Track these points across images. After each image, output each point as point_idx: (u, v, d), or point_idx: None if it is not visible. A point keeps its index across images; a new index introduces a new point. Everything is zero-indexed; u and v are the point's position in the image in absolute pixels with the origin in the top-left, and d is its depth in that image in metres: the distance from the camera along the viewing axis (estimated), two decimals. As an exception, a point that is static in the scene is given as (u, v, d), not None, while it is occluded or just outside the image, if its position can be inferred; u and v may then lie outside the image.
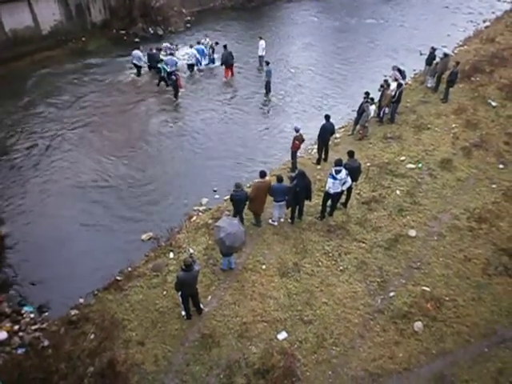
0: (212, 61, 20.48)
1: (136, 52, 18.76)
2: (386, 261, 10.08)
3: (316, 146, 13.79)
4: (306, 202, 10.83)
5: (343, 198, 11.29)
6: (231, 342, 8.33)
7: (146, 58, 19.06)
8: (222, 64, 19.27)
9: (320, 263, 9.99)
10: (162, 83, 18.35)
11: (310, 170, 11.48)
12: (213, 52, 20.53)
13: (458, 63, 16.64)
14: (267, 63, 17.60)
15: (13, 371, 7.29)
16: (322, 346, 8.28)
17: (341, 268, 9.88)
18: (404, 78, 16.54)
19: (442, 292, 9.30)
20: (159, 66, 18.04)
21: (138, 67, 19.09)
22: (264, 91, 18.15)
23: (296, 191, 10.29)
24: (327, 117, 12.95)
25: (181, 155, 14.36)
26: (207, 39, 20.68)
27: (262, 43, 19.98)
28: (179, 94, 17.66)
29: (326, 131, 12.96)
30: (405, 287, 9.45)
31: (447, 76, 16.59)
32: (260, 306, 9.00)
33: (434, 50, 17.81)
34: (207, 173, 13.43)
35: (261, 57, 20.12)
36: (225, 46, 19.00)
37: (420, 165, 13.14)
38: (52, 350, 7.97)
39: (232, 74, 19.41)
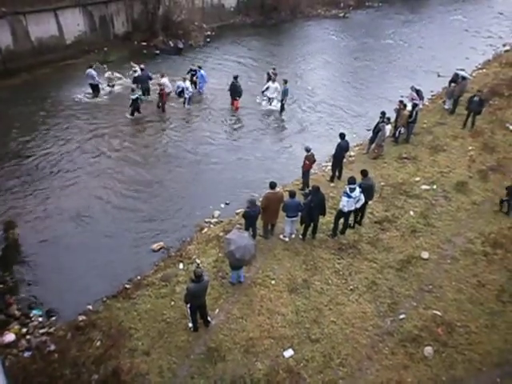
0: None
1: (89, 71, 17.73)
2: (397, 282, 9.92)
3: (330, 163, 13.77)
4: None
5: (358, 215, 11.23)
6: (237, 356, 8.24)
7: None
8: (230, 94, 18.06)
9: (330, 281, 9.88)
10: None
11: (323, 187, 11.41)
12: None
13: (481, 91, 16.45)
14: (285, 81, 17.50)
15: (18, 374, 7.31)
16: (329, 366, 8.13)
17: (351, 287, 9.75)
18: (421, 98, 16.52)
19: (454, 317, 9.10)
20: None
21: (94, 86, 18.20)
22: (278, 110, 18.08)
23: (310, 207, 10.26)
24: (342, 135, 12.96)
25: (194, 170, 14.41)
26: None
27: (277, 86, 17.88)
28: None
29: (342, 149, 12.98)
30: (415, 310, 9.27)
31: (476, 105, 15.79)
32: (267, 321, 8.90)
33: (457, 75, 17.58)
34: (220, 187, 13.43)
35: (270, 99, 18.32)
36: (235, 78, 17.90)
37: (434, 186, 13.01)
38: (58, 355, 7.98)
39: (236, 108, 18.18)
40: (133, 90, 16.82)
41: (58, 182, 13.42)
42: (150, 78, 18.27)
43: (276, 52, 25.00)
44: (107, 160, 14.60)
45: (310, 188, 11.04)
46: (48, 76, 20.10)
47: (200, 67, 18.98)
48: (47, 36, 20.96)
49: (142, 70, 18.19)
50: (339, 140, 12.94)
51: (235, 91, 17.91)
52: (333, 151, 13.21)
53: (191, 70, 19.26)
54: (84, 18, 22.31)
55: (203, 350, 8.33)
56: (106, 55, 22.57)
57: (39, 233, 11.37)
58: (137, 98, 16.69)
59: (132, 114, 16.97)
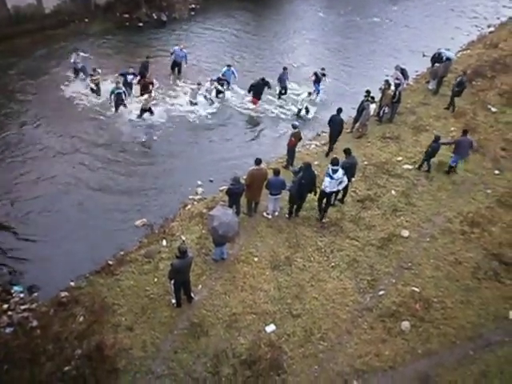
0: None
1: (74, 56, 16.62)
2: (378, 260, 10.15)
3: (314, 142, 13.79)
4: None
5: (340, 194, 11.34)
6: (220, 331, 8.37)
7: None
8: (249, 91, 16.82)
9: (312, 258, 10.04)
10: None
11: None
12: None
13: (465, 73, 16.49)
14: (284, 68, 17.11)
15: (0, 350, 7.28)
16: (310, 340, 8.35)
17: (332, 264, 9.93)
18: (406, 78, 16.52)
19: (431, 293, 9.39)
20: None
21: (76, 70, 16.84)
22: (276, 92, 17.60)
23: (301, 183, 10.24)
24: (338, 110, 13.13)
25: (179, 147, 14.27)
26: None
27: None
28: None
29: (335, 124, 13.16)
30: (394, 286, 9.53)
31: (456, 85, 15.95)
32: (250, 297, 9.04)
33: (439, 54, 17.61)
34: (204, 164, 13.39)
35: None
36: (263, 79, 16.55)
37: (416, 166, 13.17)
38: (40, 331, 7.97)
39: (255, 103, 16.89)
40: (118, 83, 15.61)
41: (36, 154, 13.13)
42: (135, 74, 16.53)
43: (261, 28, 24.55)
44: (84, 141, 14.13)
45: (301, 164, 10.93)
46: (25, 46, 19.24)
47: (229, 65, 17.54)
48: (24, 4, 19.95)
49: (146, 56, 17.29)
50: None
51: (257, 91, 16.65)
52: (316, 130, 13.23)
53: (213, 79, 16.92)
54: (63, -14, 21.39)
55: (186, 325, 8.43)
56: (87, 26, 21.76)
57: (20, 209, 11.18)
58: (120, 92, 15.25)
59: (116, 110, 15.58)
